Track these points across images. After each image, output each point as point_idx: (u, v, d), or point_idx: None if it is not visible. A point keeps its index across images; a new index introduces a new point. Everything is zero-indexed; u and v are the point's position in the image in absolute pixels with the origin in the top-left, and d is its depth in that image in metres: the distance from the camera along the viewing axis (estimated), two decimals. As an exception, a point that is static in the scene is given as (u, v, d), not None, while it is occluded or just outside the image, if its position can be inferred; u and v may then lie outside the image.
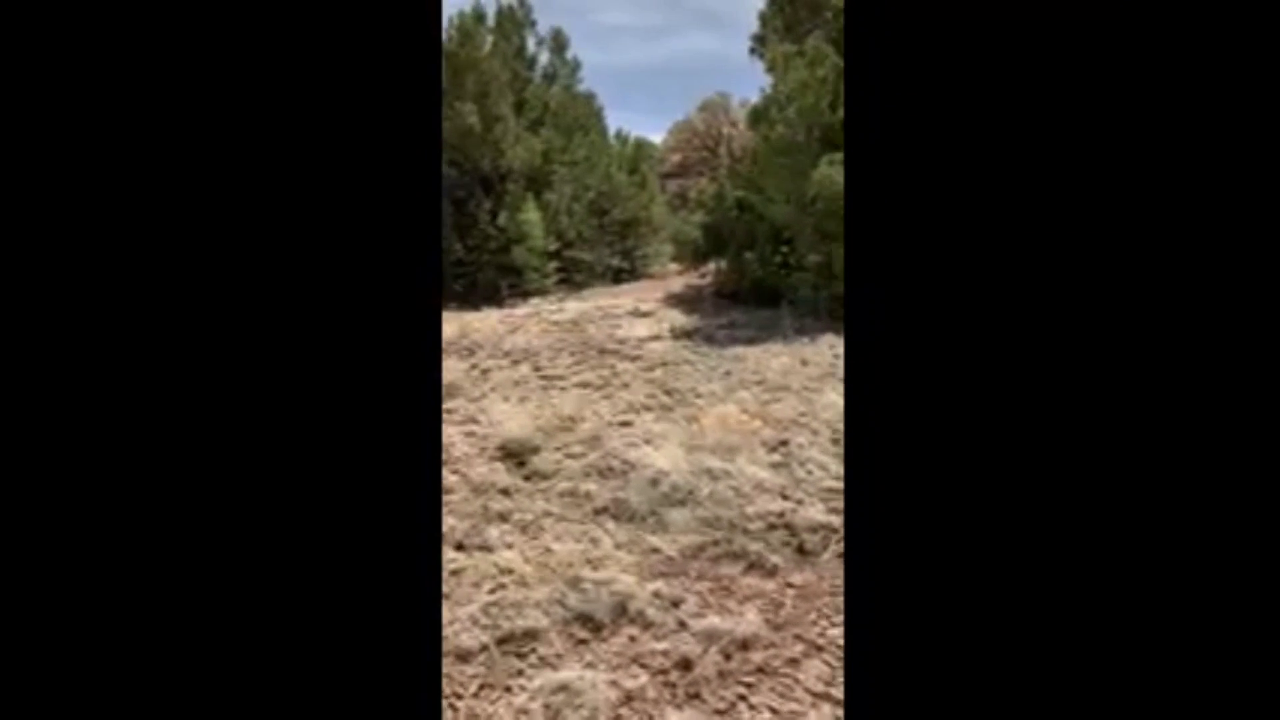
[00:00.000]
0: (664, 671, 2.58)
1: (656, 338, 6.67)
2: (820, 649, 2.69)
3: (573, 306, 8.21)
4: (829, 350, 5.94)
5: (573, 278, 10.15)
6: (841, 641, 2.73)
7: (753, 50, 8.24)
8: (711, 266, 9.11)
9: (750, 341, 6.45)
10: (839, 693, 2.47)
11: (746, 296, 7.87)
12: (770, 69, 7.58)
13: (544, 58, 10.53)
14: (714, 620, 2.80)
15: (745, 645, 2.67)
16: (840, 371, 5.41)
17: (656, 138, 15.07)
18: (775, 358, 5.80)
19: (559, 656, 2.67)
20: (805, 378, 5.28)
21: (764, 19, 8.28)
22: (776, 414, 4.67)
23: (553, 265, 9.84)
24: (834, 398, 4.82)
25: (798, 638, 2.74)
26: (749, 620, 2.81)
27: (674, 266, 10.71)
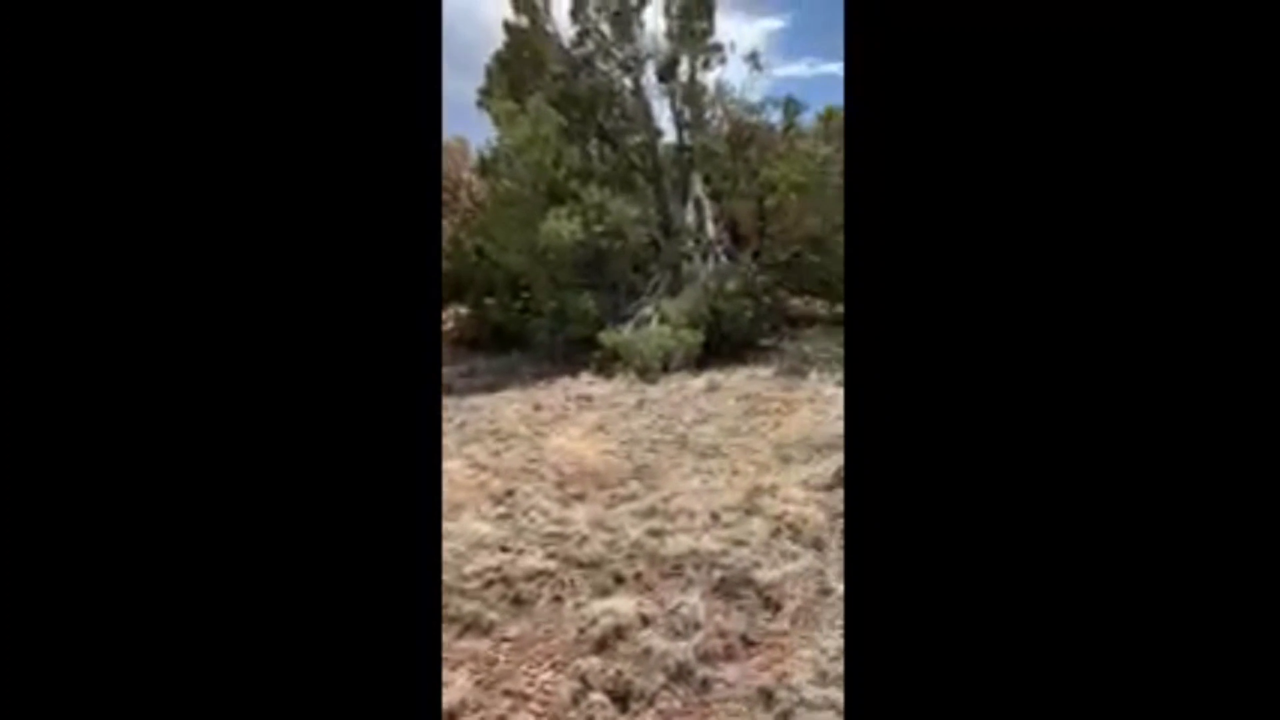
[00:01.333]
0: (360, 767, 2.42)
1: (389, 392, 6.33)
2: (527, 699, 2.77)
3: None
4: (563, 393, 6.24)
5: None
6: (549, 686, 2.86)
7: (479, 102, 8.44)
8: (453, 312, 8.98)
9: (489, 389, 6.48)
10: (542, 740, 2.57)
11: (488, 343, 7.92)
12: (496, 123, 7.84)
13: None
14: (420, 696, 2.72)
15: (451, 716, 2.64)
16: (571, 414, 5.72)
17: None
18: (510, 404, 5.91)
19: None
20: (537, 422, 5.46)
21: (489, 73, 8.56)
22: (506, 463, 4.74)
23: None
24: (562, 441, 5.07)
25: (506, 693, 2.79)
26: (458, 686, 2.78)
27: (416, 312, 10.30)
